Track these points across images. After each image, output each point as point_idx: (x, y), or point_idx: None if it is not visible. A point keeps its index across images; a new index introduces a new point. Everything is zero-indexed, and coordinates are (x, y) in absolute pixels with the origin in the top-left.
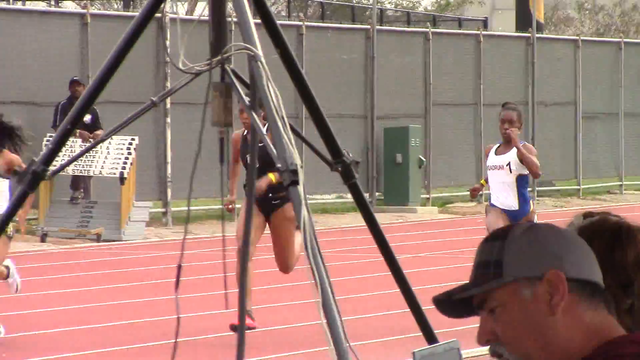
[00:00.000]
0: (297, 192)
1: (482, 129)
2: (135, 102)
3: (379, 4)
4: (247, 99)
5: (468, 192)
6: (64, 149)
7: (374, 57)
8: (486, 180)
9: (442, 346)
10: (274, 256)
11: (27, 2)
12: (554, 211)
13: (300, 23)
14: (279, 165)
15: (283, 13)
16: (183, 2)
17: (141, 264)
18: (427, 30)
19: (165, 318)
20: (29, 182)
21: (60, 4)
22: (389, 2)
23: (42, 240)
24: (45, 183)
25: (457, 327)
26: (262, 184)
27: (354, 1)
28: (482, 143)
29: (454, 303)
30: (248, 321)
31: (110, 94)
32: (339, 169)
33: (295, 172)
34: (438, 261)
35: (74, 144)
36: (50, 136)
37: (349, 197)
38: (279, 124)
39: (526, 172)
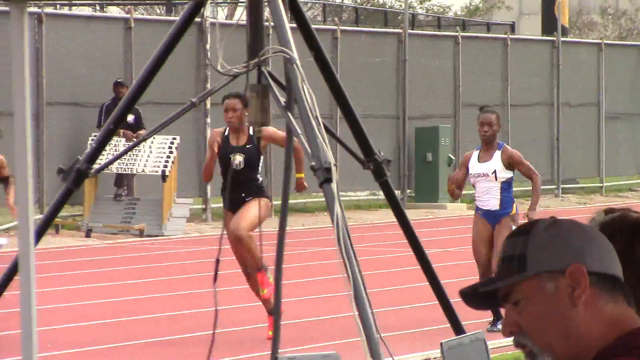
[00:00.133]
0: (331, 189)
1: (509, 129)
2: (177, 103)
3: (410, 9)
4: (282, 100)
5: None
6: (107, 148)
7: (406, 60)
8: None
9: (468, 337)
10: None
11: (73, 8)
12: (577, 208)
13: (335, 27)
14: (312, 163)
15: (319, 18)
16: (223, 7)
17: (182, 258)
18: (457, 34)
19: (204, 310)
20: (73, 180)
21: (105, 9)
22: (421, 7)
23: (87, 235)
24: (90, 180)
25: (483, 319)
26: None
27: (387, 6)
28: (510, 142)
29: (479, 296)
30: (267, 290)
31: (153, 95)
32: (371, 167)
33: (328, 170)
34: (465, 256)
35: (118, 143)
36: (95, 136)
37: (381, 194)
38: (314, 123)
39: (510, 175)
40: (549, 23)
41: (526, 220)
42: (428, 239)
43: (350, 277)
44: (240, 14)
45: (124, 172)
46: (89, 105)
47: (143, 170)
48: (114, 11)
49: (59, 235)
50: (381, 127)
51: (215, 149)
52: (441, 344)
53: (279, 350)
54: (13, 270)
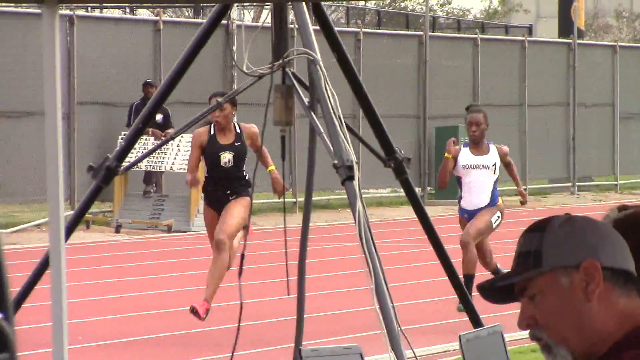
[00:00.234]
0: (353, 187)
1: (526, 128)
2: (204, 102)
3: (431, 12)
4: (306, 100)
5: (515, 193)
6: (137, 146)
7: (427, 62)
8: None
9: (486, 330)
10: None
11: (104, 10)
12: (592, 205)
13: (358, 30)
14: (335, 161)
15: (342, 20)
16: (249, 10)
17: (209, 253)
18: (476, 36)
19: (230, 304)
20: (103, 177)
21: (134, 12)
22: (441, 11)
23: (117, 231)
24: (120, 178)
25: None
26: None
27: (408, 9)
28: (527, 141)
29: (497, 290)
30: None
31: (181, 95)
32: (392, 165)
33: (350, 168)
34: None
35: (147, 142)
36: (124, 134)
37: (402, 192)
38: (336, 123)
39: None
40: (566, 26)
41: (521, 196)
42: (447, 235)
43: (371, 271)
44: (266, 17)
45: (153, 169)
46: (119, 105)
47: (171, 168)
48: (143, 14)
49: (90, 231)
50: (402, 127)
51: (199, 150)
52: (460, 336)
53: (302, 343)
54: (44, 264)
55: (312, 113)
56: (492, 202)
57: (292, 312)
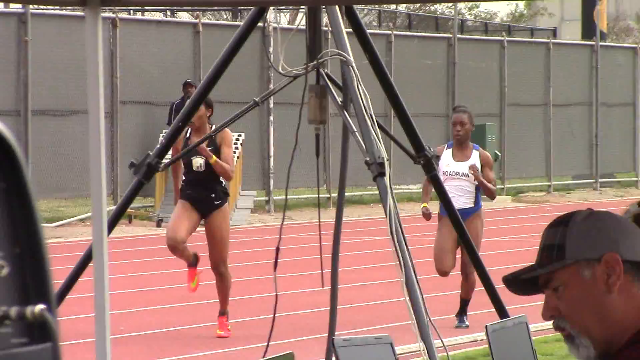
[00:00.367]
0: (384, 183)
1: (551, 127)
2: (241, 102)
3: (460, 16)
4: (339, 100)
5: (537, 184)
6: None
7: (455, 63)
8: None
9: (512, 320)
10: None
11: (145, 13)
12: (614, 200)
13: (390, 32)
14: (367, 158)
15: (374, 23)
16: (285, 13)
17: (246, 246)
18: (503, 38)
19: (266, 295)
20: (144, 173)
21: (175, 15)
22: (469, 14)
23: (158, 225)
24: (161, 174)
25: (526, 303)
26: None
27: (438, 13)
28: (552, 139)
29: (521, 282)
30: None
31: (219, 95)
32: (422, 162)
33: (382, 165)
34: (509, 245)
35: None
36: (165, 132)
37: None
38: (368, 122)
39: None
40: (589, 28)
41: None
42: None
43: (402, 264)
44: (301, 20)
45: None
46: (160, 104)
47: None
48: (183, 16)
49: (132, 225)
50: (431, 125)
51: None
52: (486, 327)
53: (335, 333)
54: (87, 257)
55: (345, 112)
56: (476, 207)
57: (326, 304)
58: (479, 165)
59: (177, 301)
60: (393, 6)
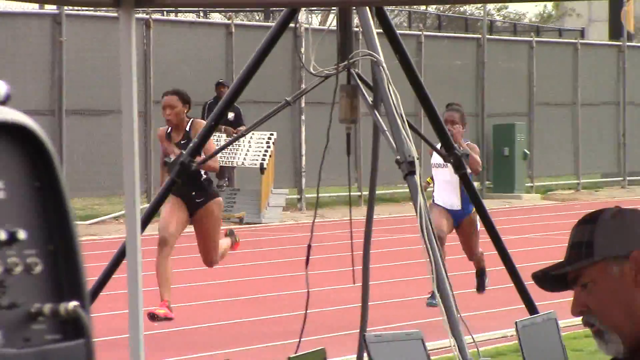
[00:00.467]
0: (414, 181)
1: (579, 126)
2: (273, 101)
3: (489, 16)
4: (370, 99)
5: (566, 182)
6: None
7: (484, 63)
8: (432, 179)
9: (541, 316)
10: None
11: (178, 14)
12: None
13: (420, 33)
14: (398, 157)
15: (404, 24)
16: (316, 14)
17: (278, 244)
18: (531, 39)
19: (298, 292)
20: (177, 172)
21: (208, 16)
22: (498, 15)
23: (191, 223)
24: None
25: (555, 300)
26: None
27: (467, 13)
28: (580, 138)
29: (551, 279)
30: (164, 310)
31: (252, 95)
32: (452, 160)
33: (412, 164)
34: (539, 242)
35: (219, 138)
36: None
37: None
38: (398, 121)
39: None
40: (616, 29)
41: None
42: (504, 227)
43: (432, 261)
44: (332, 21)
45: (225, 164)
46: (193, 104)
47: (243, 163)
48: (216, 17)
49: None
50: None
51: (166, 143)
52: (516, 323)
53: (367, 329)
54: (121, 254)
55: (376, 111)
56: (466, 210)
57: (357, 300)
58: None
59: (210, 297)
60: (423, 7)
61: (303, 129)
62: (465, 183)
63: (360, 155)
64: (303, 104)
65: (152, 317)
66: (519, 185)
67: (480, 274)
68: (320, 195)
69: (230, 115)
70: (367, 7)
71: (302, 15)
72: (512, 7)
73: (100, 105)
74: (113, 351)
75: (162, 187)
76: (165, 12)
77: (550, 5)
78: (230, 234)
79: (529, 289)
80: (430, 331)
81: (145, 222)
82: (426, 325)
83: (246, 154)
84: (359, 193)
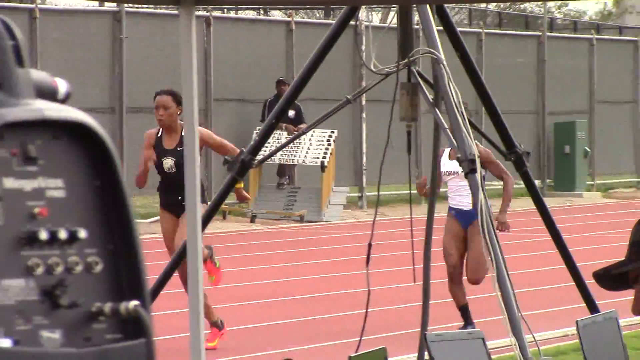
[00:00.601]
0: (475, 179)
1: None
2: (334, 99)
3: (549, 14)
4: (430, 97)
5: (626, 180)
6: (270, 140)
7: (545, 60)
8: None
9: (602, 315)
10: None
11: (239, 11)
12: None
13: (480, 30)
14: (458, 155)
15: (465, 21)
16: (377, 11)
17: (339, 242)
18: (592, 36)
19: (358, 290)
20: (238, 170)
21: (268, 13)
22: (558, 12)
23: (252, 221)
24: (255, 170)
25: (616, 299)
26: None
27: (527, 11)
28: None
29: (612, 277)
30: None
31: (312, 92)
32: (513, 158)
33: (473, 162)
34: (600, 240)
35: (280, 136)
36: (258, 129)
37: (522, 184)
38: (459, 119)
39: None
40: None
41: (497, 225)
42: (565, 225)
43: (493, 260)
44: (392, 18)
45: (286, 162)
46: (253, 101)
47: (303, 161)
48: (276, 15)
49: (226, 221)
50: (522, 122)
51: (151, 151)
52: (577, 322)
53: (428, 328)
54: (182, 253)
55: (437, 109)
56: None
57: (418, 299)
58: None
59: (270, 296)
60: (483, 5)
61: (364, 126)
62: (526, 181)
63: (421, 153)
64: (364, 102)
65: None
66: (579, 184)
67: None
68: (380, 193)
69: (291, 113)
70: (428, 5)
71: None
72: (572, 5)
73: None
74: (173, 350)
75: (223, 185)
76: (225, 10)
77: (610, 2)
78: (209, 250)
79: (590, 288)
80: (491, 330)
81: (206, 221)
82: (487, 324)
83: (307, 152)
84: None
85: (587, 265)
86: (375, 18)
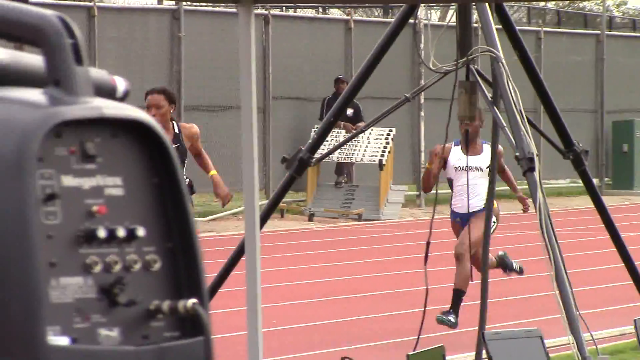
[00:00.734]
0: (534, 177)
1: None
2: (393, 97)
3: (608, 12)
4: (489, 95)
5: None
6: (328, 138)
7: (604, 59)
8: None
9: None
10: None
11: (297, 10)
12: None
13: (539, 29)
14: (517, 153)
15: (524, 20)
16: (435, 10)
17: (397, 240)
18: None
19: (416, 289)
20: (296, 168)
21: (327, 11)
22: (617, 11)
23: (310, 219)
24: (313, 169)
25: None
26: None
27: (586, 9)
28: None
29: None
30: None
31: (371, 91)
32: (571, 157)
33: (531, 160)
34: None
35: (338, 135)
36: (317, 128)
37: (580, 182)
38: (518, 117)
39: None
40: None
41: (522, 203)
42: (623, 224)
43: (551, 258)
44: (451, 17)
45: (344, 161)
46: (312, 99)
47: (361, 159)
48: (335, 13)
49: (284, 219)
50: (580, 121)
51: None
52: (635, 320)
53: (485, 326)
54: (240, 251)
55: (495, 108)
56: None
57: (476, 297)
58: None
59: (328, 295)
60: (542, 3)
61: (422, 125)
62: (584, 179)
63: None
64: (422, 100)
65: None
66: (637, 182)
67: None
68: (439, 191)
69: (349, 111)
70: (487, 3)
71: (422, 11)
72: (632, 3)
73: (218, 101)
74: (231, 349)
75: (281, 183)
76: (284, 8)
77: None
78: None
79: None
80: (549, 328)
81: (264, 219)
82: (545, 323)
83: (365, 150)
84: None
85: None
86: (434, 16)
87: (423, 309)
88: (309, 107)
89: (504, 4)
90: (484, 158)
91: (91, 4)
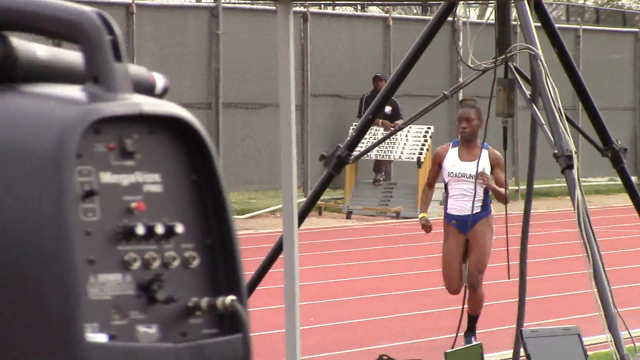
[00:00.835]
0: (572, 175)
1: None
2: (431, 95)
3: None
4: (527, 93)
5: None
6: (367, 136)
7: None
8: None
9: None
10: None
11: (336, 7)
12: None
13: (578, 26)
14: (555, 151)
15: (562, 17)
16: (474, 7)
17: (435, 238)
18: None
19: None
20: (334, 166)
21: (365, 9)
22: None
23: (348, 217)
24: (351, 166)
25: None
26: None
27: (625, 7)
28: None
29: None
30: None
31: (409, 88)
32: (609, 155)
33: (570, 158)
34: None
35: (377, 132)
36: (355, 125)
37: (619, 180)
38: (556, 115)
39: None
40: None
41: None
42: None
43: (590, 256)
44: (490, 14)
45: (382, 158)
46: (350, 97)
47: (400, 157)
48: (373, 11)
49: (322, 217)
50: (619, 119)
51: None
52: None
53: (523, 324)
54: (278, 249)
55: (534, 105)
56: (485, 212)
57: (514, 295)
58: (488, 168)
59: (365, 292)
60: (581, 1)
61: None
62: (622, 177)
63: (518, 149)
64: (460, 98)
65: None
66: None
67: (470, 322)
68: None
69: (388, 109)
70: (526, 1)
71: (460, 9)
72: None
73: (257, 99)
74: (269, 346)
75: (319, 181)
76: (322, 6)
77: None
78: None
79: None
80: (587, 326)
81: (302, 216)
82: (583, 321)
83: (403, 148)
84: (516, 187)
85: None
86: (473, 14)
87: (461, 306)
88: (347, 104)
89: (543, 1)
90: (480, 164)
91: (130, 1)
